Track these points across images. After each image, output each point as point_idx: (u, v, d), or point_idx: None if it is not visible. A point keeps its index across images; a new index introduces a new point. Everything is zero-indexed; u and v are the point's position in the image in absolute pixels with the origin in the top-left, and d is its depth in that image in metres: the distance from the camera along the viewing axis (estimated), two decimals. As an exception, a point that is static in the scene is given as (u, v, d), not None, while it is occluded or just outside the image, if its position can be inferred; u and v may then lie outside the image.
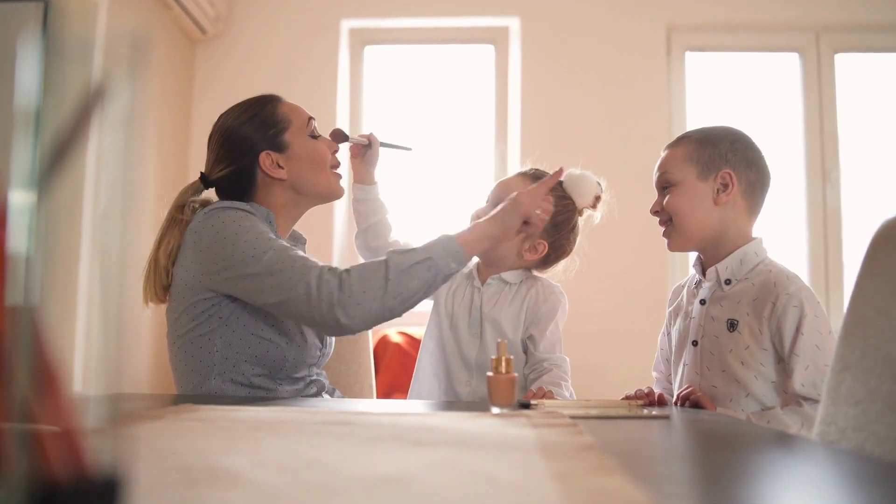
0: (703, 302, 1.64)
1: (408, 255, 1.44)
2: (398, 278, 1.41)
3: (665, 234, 1.70)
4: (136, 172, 0.47)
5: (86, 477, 0.41)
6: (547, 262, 1.85)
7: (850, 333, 0.96)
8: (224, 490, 0.54)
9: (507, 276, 1.81)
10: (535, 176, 1.82)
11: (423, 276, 1.43)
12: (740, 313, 1.55)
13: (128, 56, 0.46)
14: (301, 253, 1.48)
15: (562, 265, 1.87)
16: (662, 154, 1.73)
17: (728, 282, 1.60)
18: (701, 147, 1.64)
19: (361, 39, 3.88)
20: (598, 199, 1.86)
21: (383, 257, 1.45)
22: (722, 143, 1.63)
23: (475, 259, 1.84)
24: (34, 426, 0.41)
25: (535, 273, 1.87)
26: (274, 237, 1.50)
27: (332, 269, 1.42)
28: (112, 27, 2.72)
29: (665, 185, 1.67)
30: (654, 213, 1.70)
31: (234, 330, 1.54)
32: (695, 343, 1.64)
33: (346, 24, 3.82)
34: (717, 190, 1.60)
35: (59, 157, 0.43)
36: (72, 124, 0.44)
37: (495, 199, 1.77)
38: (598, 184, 1.87)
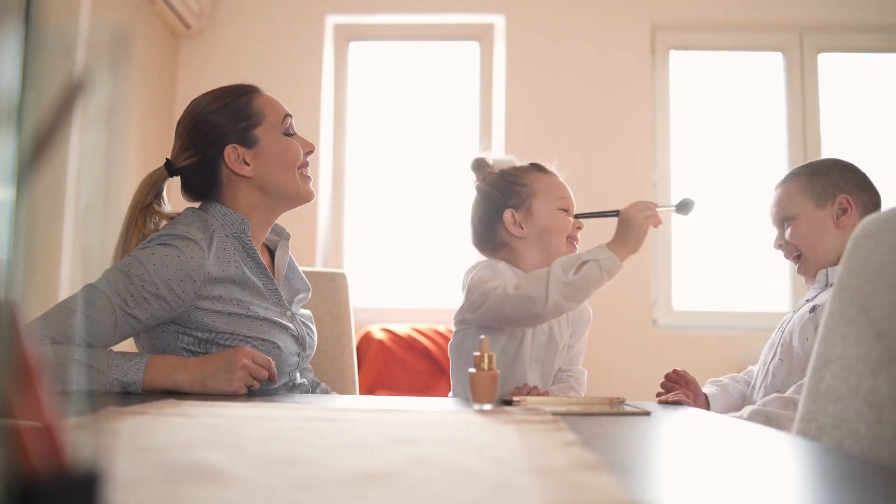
0: (813, 309, 1.67)
1: (97, 357, 1.39)
2: (65, 367, 1.35)
3: (798, 267, 1.79)
4: (117, 168, 0.46)
5: (65, 472, 0.40)
6: None
7: (831, 331, 0.97)
8: (205, 486, 0.54)
9: None
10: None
11: (80, 377, 1.36)
12: None
13: (110, 50, 0.46)
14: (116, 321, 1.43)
15: None
16: (774, 193, 1.82)
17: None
18: (812, 179, 1.74)
19: (346, 35, 3.87)
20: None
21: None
22: (832, 172, 1.74)
23: None
24: (13, 422, 0.40)
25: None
26: (141, 297, 1.43)
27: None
28: (94, 21, 2.70)
29: (784, 219, 1.76)
30: (778, 247, 1.80)
31: (197, 349, 1.51)
32: (781, 345, 1.69)
33: (331, 20, 3.81)
34: (837, 214, 1.69)
35: (39, 151, 0.42)
36: (53, 119, 0.44)
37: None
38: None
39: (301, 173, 1.62)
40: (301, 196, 1.62)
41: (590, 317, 1.83)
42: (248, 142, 1.57)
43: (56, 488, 0.39)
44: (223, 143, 1.56)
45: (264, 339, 1.53)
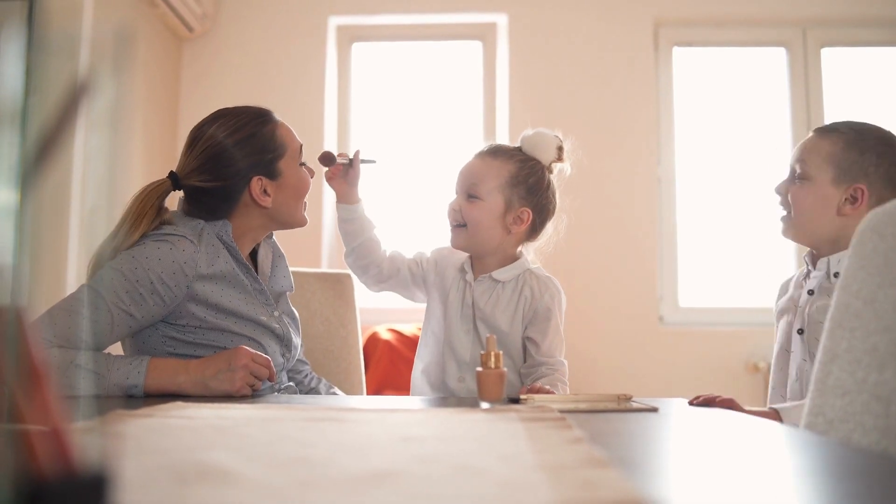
0: (811, 292, 1.59)
1: (98, 361, 1.38)
2: (66, 372, 1.35)
3: (781, 220, 1.68)
4: (122, 171, 0.46)
5: (73, 474, 0.41)
6: (535, 228, 1.78)
7: (838, 325, 0.96)
8: (213, 486, 0.54)
9: (497, 274, 1.74)
10: (491, 150, 1.77)
11: (81, 382, 1.37)
12: None
13: (113, 53, 0.46)
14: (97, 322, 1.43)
15: (550, 227, 1.80)
16: (809, 136, 1.68)
17: (837, 275, 1.52)
18: (847, 149, 1.58)
19: (349, 36, 3.87)
20: (560, 149, 1.78)
21: (79, 351, 1.39)
22: (868, 155, 1.56)
23: (464, 254, 1.80)
24: (22, 425, 0.40)
25: (528, 257, 1.80)
26: (127, 294, 1.44)
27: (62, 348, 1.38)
28: (97, 24, 2.71)
29: (797, 172, 1.64)
30: (778, 192, 1.68)
31: (184, 352, 1.51)
32: (800, 331, 1.59)
33: (334, 21, 3.81)
34: (845, 200, 1.56)
35: (44, 154, 0.43)
36: (57, 122, 0.44)
37: (460, 188, 1.75)
38: (556, 136, 1.79)
39: (305, 202, 1.68)
40: (301, 223, 1.70)
41: (549, 308, 1.72)
42: (272, 174, 1.60)
43: (64, 490, 0.40)
44: (250, 174, 1.58)
45: (249, 338, 1.54)
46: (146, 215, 1.53)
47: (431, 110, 3.91)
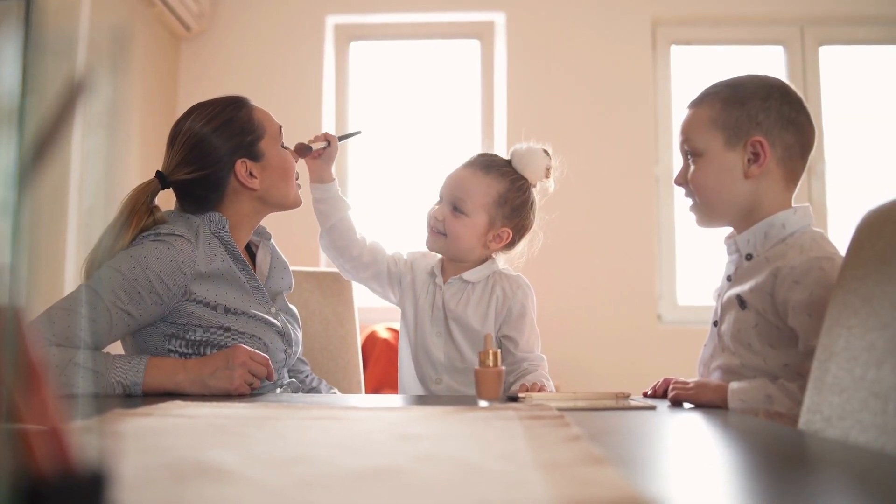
0: (729, 278, 1.45)
1: (97, 360, 1.39)
2: (64, 371, 1.34)
3: (690, 209, 1.50)
4: (119, 171, 0.46)
5: (72, 473, 0.41)
6: (512, 244, 1.78)
7: (835, 323, 0.97)
8: (212, 485, 0.54)
9: (468, 276, 1.75)
10: (483, 164, 1.76)
11: (80, 381, 1.36)
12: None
13: (110, 53, 0.46)
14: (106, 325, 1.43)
15: (524, 243, 1.80)
16: (686, 112, 1.51)
17: (749, 257, 1.40)
18: (727, 108, 1.42)
19: (347, 35, 3.87)
20: (548, 169, 1.77)
21: (79, 349, 1.39)
22: (752, 103, 1.41)
23: (437, 255, 1.81)
24: (20, 425, 0.40)
25: (498, 263, 1.79)
26: (128, 295, 1.43)
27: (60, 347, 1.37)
28: (94, 24, 2.70)
29: (688, 153, 1.46)
30: (679, 183, 1.49)
31: (185, 351, 1.51)
32: (715, 323, 1.47)
33: (332, 20, 3.81)
34: (748, 161, 1.39)
35: (41, 154, 0.43)
36: (54, 121, 0.44)
37: (447, 197, 1.75)
38: (545, 153, 1.77)
39: (296, 182, 1.69)
40: (297, 203, 1.70)
41: (523, 306, 1.72)
42: (255, 155, 1.60)
43: (63, 490, 0.40)
44: (233, 157, 1.58)
45: (250, 335, 1.54)
46: (137, 216, 1.54)
47: (429, 109, 3.91)
